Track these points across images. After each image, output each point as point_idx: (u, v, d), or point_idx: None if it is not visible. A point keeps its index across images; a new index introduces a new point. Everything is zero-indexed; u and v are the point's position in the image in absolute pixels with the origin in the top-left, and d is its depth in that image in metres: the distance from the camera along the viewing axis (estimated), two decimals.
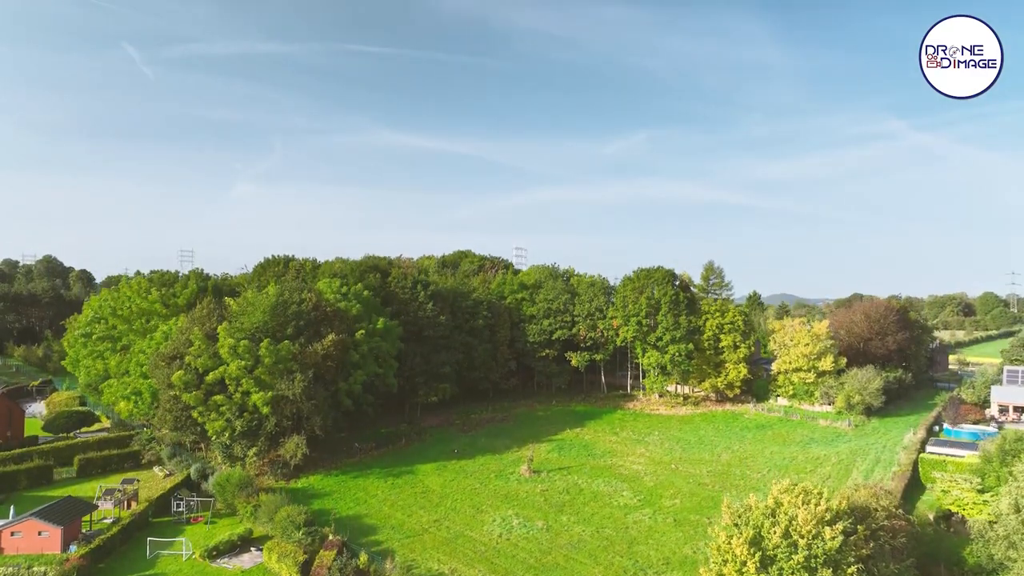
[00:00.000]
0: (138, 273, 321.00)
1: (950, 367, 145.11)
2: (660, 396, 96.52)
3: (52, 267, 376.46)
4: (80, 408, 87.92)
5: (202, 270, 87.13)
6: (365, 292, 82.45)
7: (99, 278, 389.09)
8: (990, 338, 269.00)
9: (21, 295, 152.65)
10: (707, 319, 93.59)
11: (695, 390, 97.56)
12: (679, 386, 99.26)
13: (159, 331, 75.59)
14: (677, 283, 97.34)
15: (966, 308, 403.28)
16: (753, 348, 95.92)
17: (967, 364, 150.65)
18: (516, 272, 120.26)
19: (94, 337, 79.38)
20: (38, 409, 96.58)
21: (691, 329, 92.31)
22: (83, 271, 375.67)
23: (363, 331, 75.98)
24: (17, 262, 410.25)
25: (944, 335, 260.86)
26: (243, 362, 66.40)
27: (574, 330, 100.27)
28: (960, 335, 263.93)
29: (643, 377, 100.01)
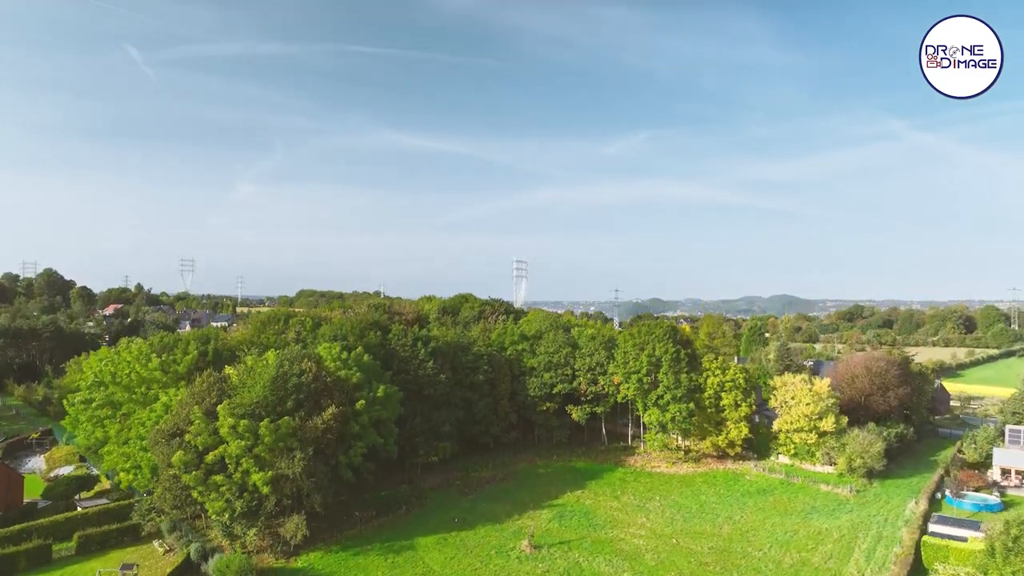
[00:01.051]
0: (139, 287, 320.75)
1: (952, 403, 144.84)
2: (660, 450, 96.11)
3: (52, 281, 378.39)
4: (79, 470, 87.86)
5: (203, 336, 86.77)
6: (365, 356, 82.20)
7: (99, 286, 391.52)
8: (991, 359, 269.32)
9: (21, 329, 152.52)
10: (708, 376, 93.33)
11: (696, 444, 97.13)
12: (680, 438, 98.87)
13: (160, 402, 75.39)
14: (678, 337, 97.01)
15: (967, 322, 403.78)
16: (754, 407, 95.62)
17: (969, 402, 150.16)
18: (517, 319, 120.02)
19: (94, 405, 79.10)
20: (38, 464, 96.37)
21: (692, 387, 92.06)
22: (83, 288, 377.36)
23: (363, 401, 75.77)
24: (17, 276, 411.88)
25: (945, 355, 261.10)
26: (243, 442, 66.21)
27: (574, 384, 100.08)
28: (961, 355, 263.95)
29: (644, 431, 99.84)
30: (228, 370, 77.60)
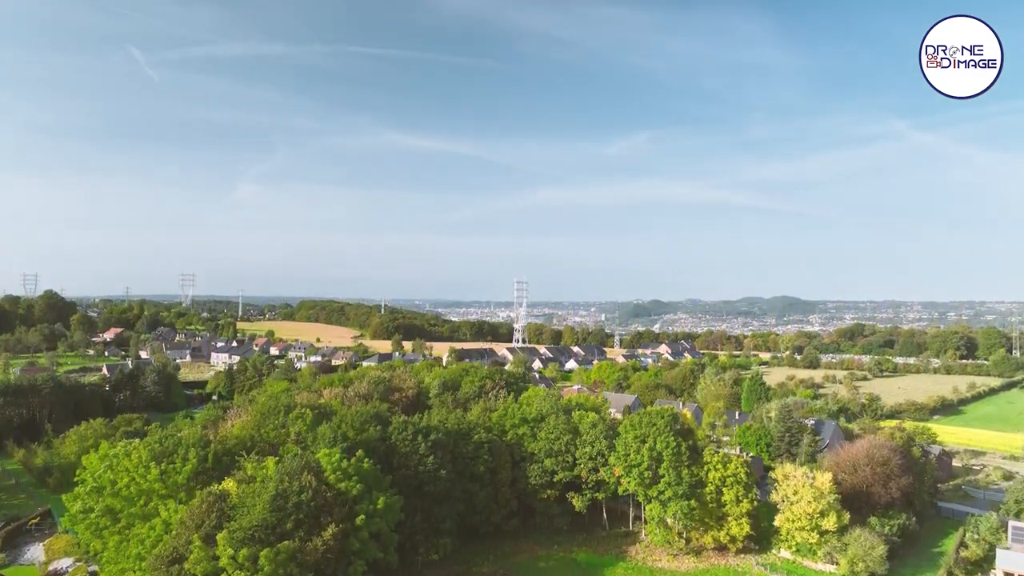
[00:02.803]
0: (142, 302, 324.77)
1: (954, 463, 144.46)
2: (661, 544, 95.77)
3: (53, 303, 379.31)
4: (78, 571, 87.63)
5: (202, 439, 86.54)
6: (365, 461, 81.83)
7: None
8: (993, 391, 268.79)
9: (22, 386, 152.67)
10: (709, 470, 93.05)
11: (699, 536, 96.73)
12: (680, 526, 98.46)
13: (159, 518, 75.27)
14: (679, 427, 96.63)
15: (968, 343, 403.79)
16: (757, 501, 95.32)
17: (971, 461, 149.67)
18: (518, 394, 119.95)
19: (92, 515, 78.98)
20: (36, 554, 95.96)
21: (693, 483, 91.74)
22: (84, 314, 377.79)
23: (363, 515, 75.52)
24: (18, 298, 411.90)
25: (946, 387, 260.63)
26: (243, 572, 66.10)
27: (575, 471, 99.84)
28: (963, 387, 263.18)
29: (645, 521, 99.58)
30: (227, 483, 77.41)
